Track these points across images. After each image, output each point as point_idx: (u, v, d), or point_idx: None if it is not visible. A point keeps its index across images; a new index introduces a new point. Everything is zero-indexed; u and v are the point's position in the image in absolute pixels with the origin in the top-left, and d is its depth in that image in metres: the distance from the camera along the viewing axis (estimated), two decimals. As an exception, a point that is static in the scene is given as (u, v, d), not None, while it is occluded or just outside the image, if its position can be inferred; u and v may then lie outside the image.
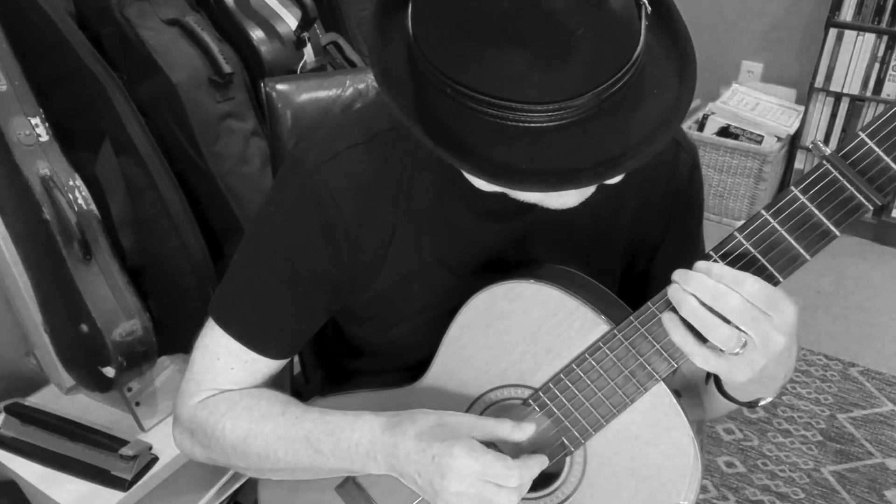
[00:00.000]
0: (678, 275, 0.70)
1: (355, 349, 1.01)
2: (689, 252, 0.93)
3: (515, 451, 0.85)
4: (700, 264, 0.69)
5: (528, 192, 0.73)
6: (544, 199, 0.75)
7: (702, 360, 0.70)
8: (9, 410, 1.48)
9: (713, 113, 3.21)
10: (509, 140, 0.65)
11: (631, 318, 0.76)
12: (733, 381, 0.73)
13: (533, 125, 0.63)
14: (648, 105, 0.67)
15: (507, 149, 0.65)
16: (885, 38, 2.99)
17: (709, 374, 0.79)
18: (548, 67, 0.61)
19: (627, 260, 0.95)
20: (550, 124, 0.63)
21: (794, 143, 3.25)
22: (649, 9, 0.66)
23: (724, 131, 3.18)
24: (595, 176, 0.65)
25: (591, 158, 0.65)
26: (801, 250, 0.68)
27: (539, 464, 0.80)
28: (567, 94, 0.62)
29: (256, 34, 1.55)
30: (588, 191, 0.76)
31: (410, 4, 0.68)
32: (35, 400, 1.57)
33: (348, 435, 0.82)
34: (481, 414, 0.87)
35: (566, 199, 0.75)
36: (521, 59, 0.61)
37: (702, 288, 0.68)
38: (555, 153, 0.65)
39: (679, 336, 0.71)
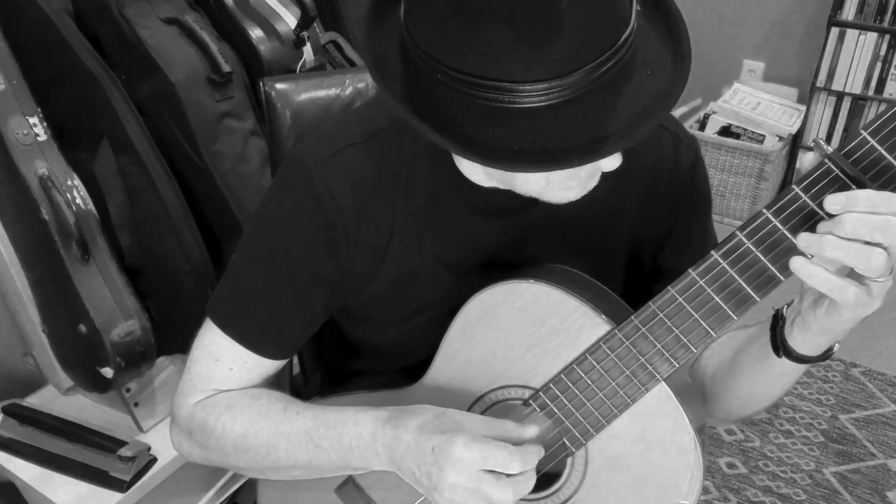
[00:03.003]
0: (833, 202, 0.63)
1: (354, 349, 1.00)
2: (699, 246, 0.91)
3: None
4: (851, 194, 0.62)
5: (518, 172, 0.72)
6: (545, 191, 0.75)
7: (852, 294, 0.64)
8: (7, 411, 1.48)
9: (714, 112, 3.20)
10: (501, 121, 0.65)
11: (632, 317, 0.76)
12: (861, 315, 0.68)
13: (524, 105, 0.63)
14: (642, 85, 0.66)
15: (499, 130, 0.65)
16: (888, 37, 2.98)
17: (776, 347, 0.77)
18: (535, 44, 0.61)
19: (631, 257, 0.94)
20: (541, 104, 0.63)
21: (795, 142, 3.24)
22: None
23: (726, 131, 3.17)
24: (587, 155, 0.65)
25: (582, 137, 0.65)
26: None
27: (537, 452, 0.78)
28: (555, 73, 0.62)
29: (255, 33, 1.55)
30: (590, 183, 0.75)
31: None
32: (33, 400, 1.57)
33: (350, 429, 0.82)
34: (482, 414, 0.87)
35: (567, 192, 0.75)
36: (508, 37, 0.61)
37: (861, 224, 0.62)
38: (546, 133, 0.64)
39: (820, 279, 0.64)
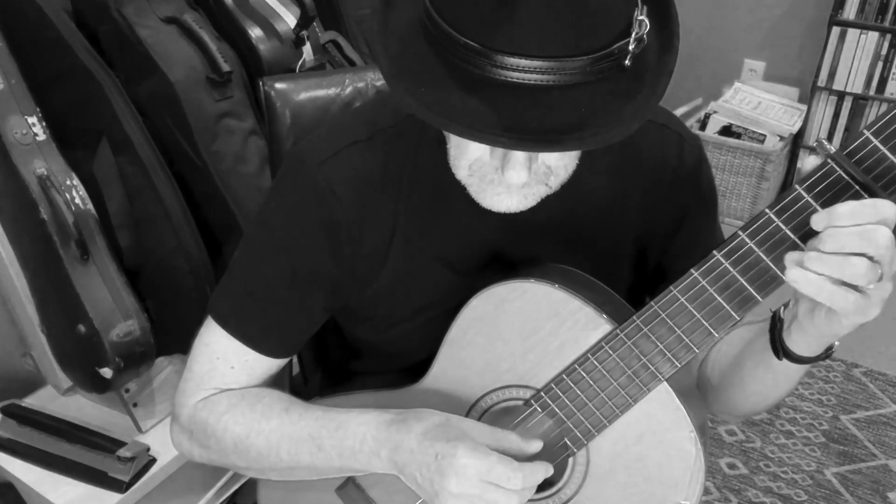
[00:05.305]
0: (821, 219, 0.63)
1: (355, 349, 1.00)
2: (705, 246, 0.91)
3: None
4: (833, 209, 0.62)
5: (449, 131, 0.70)
6: (470, 182, 0.77)
7: (850, 302, 0.63)
8: (5, 412, 1.47)
9: (715, 112, 3.20)
10: (466, 85, 0.64)
11: (634, 317, 0.75)
12: (861, 321, 0.67)
13: (493, 77, 0.63)
14: (613, 100, 0.65)
15: (459, 91, 0.65)
16: (889, 36, 2.98)
17: (776, 350, 0.77)
18: (519, 20, 0.61)
19: (636, 255, 0.94)
20: (508, 79, 0.63)
21: (796, 142, 3.24)
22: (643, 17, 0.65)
23: (727, 130, 3.16)
24: (512, 142, 0.64)
25: (528, 125, 0.64)
26: (806, 249, 0.66)
27: (544, 471, 0.78)
28: (526, 51, 0.62)
29: (255, 32, 1.54)
30: (533, 194, 0.76)
31: None
32: (32, 401, 1.57)
33: (353, 430, 0.81)
34: (483, 415, 0.87)
35: (507, 202, 0.76)
36: (493, 6, 0.62)
37: (851, 237, 0.62)
38: (500, 108, 0.64)
39: (817, 289, 0.64)
